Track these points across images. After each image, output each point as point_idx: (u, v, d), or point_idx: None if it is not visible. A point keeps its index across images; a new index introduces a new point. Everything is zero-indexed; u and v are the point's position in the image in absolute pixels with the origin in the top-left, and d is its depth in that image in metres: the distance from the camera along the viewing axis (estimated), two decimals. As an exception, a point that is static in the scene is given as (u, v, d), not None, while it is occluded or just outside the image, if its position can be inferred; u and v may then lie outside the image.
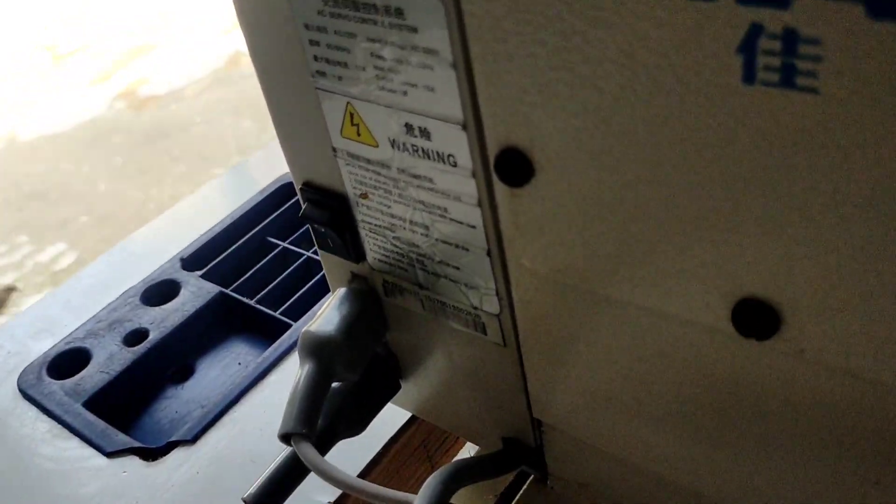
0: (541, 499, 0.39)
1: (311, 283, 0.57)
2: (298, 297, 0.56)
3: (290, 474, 0.36)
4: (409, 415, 0.47)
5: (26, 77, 2.57)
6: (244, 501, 0.36)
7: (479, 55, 0.25)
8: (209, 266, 0.59)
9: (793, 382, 0.25)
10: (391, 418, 0.45)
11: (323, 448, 0.37)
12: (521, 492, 0.39)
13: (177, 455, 0.46)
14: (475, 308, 0.33)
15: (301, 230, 0.62)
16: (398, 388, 0.41)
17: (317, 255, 0.60)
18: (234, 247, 0.60)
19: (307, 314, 0.54)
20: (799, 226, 0.21)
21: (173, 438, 0.47)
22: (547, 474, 0.39)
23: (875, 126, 0.18)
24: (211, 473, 0.45)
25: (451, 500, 0.33)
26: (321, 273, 0.58)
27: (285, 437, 0.34)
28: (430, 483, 0.31)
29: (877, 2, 0.17)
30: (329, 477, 0.32)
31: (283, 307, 0.55)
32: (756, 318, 0.23)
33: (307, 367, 0.35)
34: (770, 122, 0.20)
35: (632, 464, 0.34)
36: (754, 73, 0.19)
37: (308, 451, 0.33)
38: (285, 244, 0.61)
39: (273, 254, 0.60)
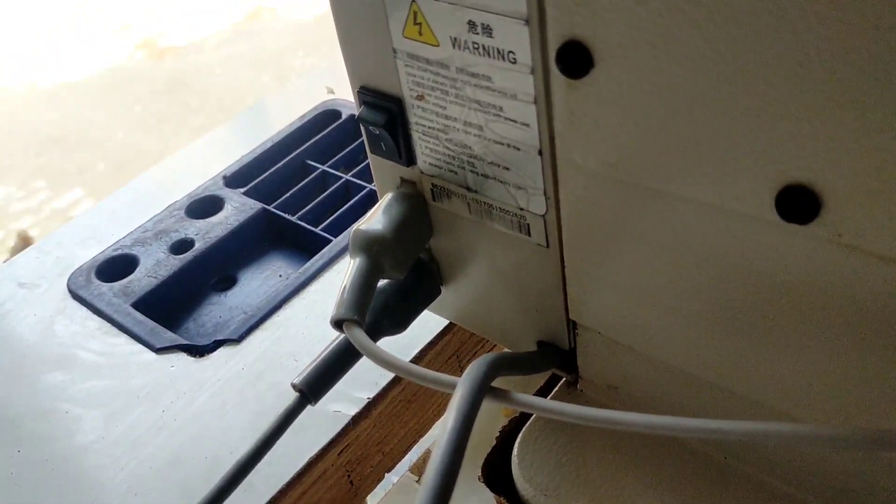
0: (571, 400, 0.40)
1: (349, 203, 0.59)
2: (337, 215, 0.58)
3: (339, 360, 0.38)
4: (442, 325, 0.49)
5: (48, 25, 2.59)
6: (293, 386, 0.38)
7: (548, -53, 0.26)
8: (251, 184, 0.61)
9: (830, 268, 0.26)
10: (426, 326, 0.48)
11: (372, 339, 0.39)
12: (553, 394, 0.41)
13: (223, 352, 0.48)
14: (521, 209, 0.35)
15: (340, 154, 0.64)
16: (439, 292, 0.42)
17: (355, 178, 0.62)
18: (275, 167, 0.62)
19: (346, 231, 0.56)
20: (837, 113, 0.23)
21: (219, 338, 0.49)
22: (578, 377, 0.41)
23: (928, 6, 0.20)
24: (256, 369, 0.47)
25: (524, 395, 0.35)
26: (359, 195, 0.60)
27: (337, 324, 0.36)
28: (475, 366, 0.33)
29: None
30: (381, 360, 0.34)
31: (323, 224, 0.57)
32: (798, 203, 0.25)
33: (357, 260, 0.37)
34: (823, 3, 0.21)
35: (664, 364, 0.36)
36: (817, -44, 0.21)
37: (360, 336, 0.35)
38: (325, 167, 0.63)
39: (312, 175, 0.62)
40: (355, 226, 0.38)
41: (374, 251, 0.37)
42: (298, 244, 0.57)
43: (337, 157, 0.63)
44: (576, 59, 0.27)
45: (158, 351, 0.49)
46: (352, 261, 0.38)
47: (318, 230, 0.56)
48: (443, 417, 0.31)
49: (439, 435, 0.29)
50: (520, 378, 0.43)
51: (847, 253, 0.25)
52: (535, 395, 0.43)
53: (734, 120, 0.25)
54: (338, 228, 0.57)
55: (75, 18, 2.58)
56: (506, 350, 0.42)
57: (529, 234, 0.36)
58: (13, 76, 2.36)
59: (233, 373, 0.47)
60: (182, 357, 0.49)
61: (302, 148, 0.64)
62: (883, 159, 0.23)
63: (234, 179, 0.62)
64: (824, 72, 0.22)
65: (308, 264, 0.53)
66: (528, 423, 0.40)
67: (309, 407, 0.39)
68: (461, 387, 0.31)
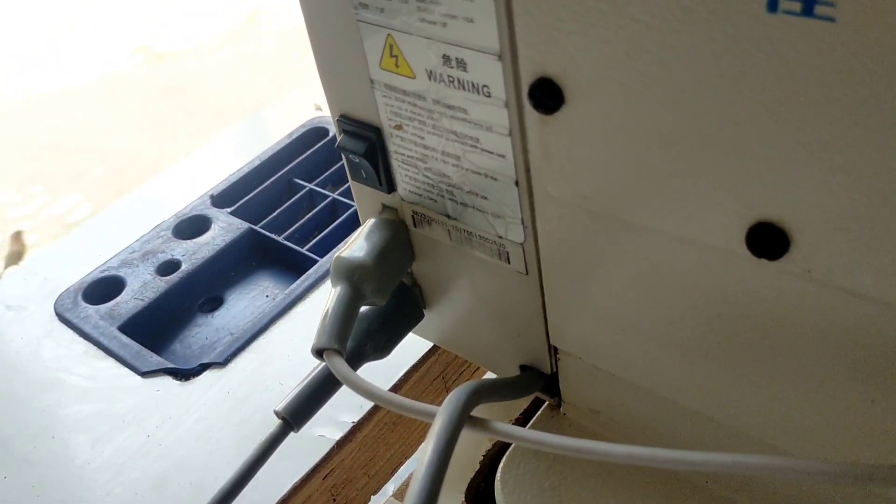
0: (554, 424, 0.41)
1: (336, 222, 0.59)
2: (324, 235, 0.58)
3: (321, 388, 0.38)
4: (428, 347, 0.49)
5: (44, 30, 2.58)
6: (276, 413, 0.38)
7: (518, -14, 0.26)
8: (238, 203, 0.61)
9: (801, 302, 0.26)
10: (412, 348, 0.48)
11: (353, 366, 0.39)
12: (536, 417, 0.41)
13: (208, 376, 0.49)
14: (500, 237, 0.35)
15: (327, 172, 0.64)
16: (422, 316, 0.43)
17: (342, 196, 0.62)
18: (262, 186, 0.62)
19: (333, 251, 0.56)
20: (806, 152, 0.23)
21: (205, 361, 0.49)
22: (561, 401, 0.41)
23: (890, 55, 0.20)
24: (241, 393, 0.47)
25: (502, 423, 0.36)
26: (346, 213, 0.60)
27: (318, 352, 0.36)
28: (454, 395, 0.33)
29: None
30: (360, 389, 0.34)
31: (310, 244, 0.57)
32: (767, 240, 0.25)
33: (339, 288, 0.37)
34: (791, 49, 0.21)
35: (645, 390, 0.36)
36: (777, 1, 0.21)
37: (340, 365, 0.35)
38: (311, 185, 0.63)
39: (300, 194, 0.62)
40: (336, 252, 0.39)
41: (356, 279, 0.38)
42: (285, 264, 0.57)
43: (324, 176, 0.64)
44: (547, 96, 0.28)
45: (144, 374, 0.49)
46: (333, 288, 0.38)
47: (304, 250, 0.56)
48: (423, 444, 0.31)
49: (418, 465, 0.29)
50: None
51: (818, 288, 0.26)
52: (518, 417, 0.43)
53: (704, 157, 0.25)
54: (324, 248, 0.57)
55: (72, 24, 2.58)
56: (487, 376, 0.42)
57: (509, 262, 0.36)
58: (10, 82, 2.36)
59: (218, 396, 0.47)
60: (167, 381, 0.49)
61: (289, 166, 0.64)
62: (850, 198, 0.23)
63: (222, 199, 0.62)
64: (792, 113, 0.22)
65: (294, 285, 0.53)
66: (511, 447, 0.40)
67: (292, 433, 0.40)
68: (439, 417, 0.31)
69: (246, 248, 0.58)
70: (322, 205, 0.61)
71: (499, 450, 0.41)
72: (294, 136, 0.67)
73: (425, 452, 0.30)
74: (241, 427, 0.45)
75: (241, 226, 0.59)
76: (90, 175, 1.94)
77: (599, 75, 0.26)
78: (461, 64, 0.30)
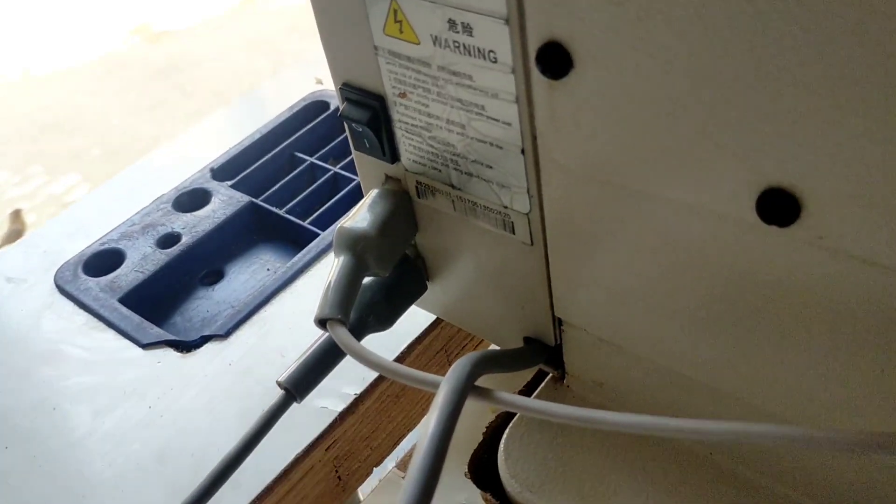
0: (558, 396, 0.41)
1: (337, 196, 0.58)
2: (325, 209, 0.57)
3: (324, 358, 0.38)
4: (430, 320, 0.49)
5: (42, 11, 2.56)
6: (278, 384, 0.38)
7: (527, -53, 0.26)
8: (239, 177, 0.61)
9: (812, 270, 0.26)
10: (414, 321, 0.47)
11: (357, 338, 0.39)
12: (539, 389, 0.41)
13: (210, 348, 0.48)
14: (505, 207, 0.35)
15: (328, 146, 0.64)
16: (425, 288, 0.42)
17: (343, 170, 0.62)
18: (262, 160, 0.62)
19: (334, 224, 0.55)
20: (818, 117, 0.22)
21: (206, 333, 0.49)
22: (564, 373, 0.41)
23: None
24: (243, 365, 0.47)
25: (507, 393, 0.35)
26: (347, 187, 0.60)
27: (321, 322, 0.36)
28: (458, 365, 0.32)
29: None
30: (364, 359, 0.34)
31: (311, 218, 0.57)
32: (778, 206, 0.25)
33: (342, 258, 0.37)
34: (803, 10, 0.21)
35: (649, 362, 0.36)
36: (794, -40, 0.20)
37: (343, 335, 0.35)
38: (313, 159, 0.62)
39: (301, 168, 0.62)
40: (339, 223, 0.38)
41: (359, 249, 0.37)
42: (286, 238, 0.57)
43: (325, 150, 0.63)
44: (555, 60, 0.27)
45: (145, 346, 0.49)
46: (336, 259, 0.37)
47: (306, 224, 0.56)
48: (426, 416, 0.31)
49: (421, 435, 0.29)
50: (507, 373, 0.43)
51: (828, 255, 0.25)
52: (522, 390, 0.43)
53: (714, 123, 0.25)
54: (326, 222, 0.56)
55: (70, 3, 2.56)
56: (491, 347, 0.42)
57: (514, 232, 0.36)
58: (7, 62, 2.34)
59: (220, 368, 0.47)
60: (169, 353, 0.49)
61: (290, 140, 0.64)
62: (863, 164, 0.23)
63: (222, 172, 0.62)
64: (804, 77, 0.22)
65: (296, 258, 0.53)
66: (515, 419, 0.40)
67: (295, 404, 0.39)
68: (444, 386, 0.31)
69: (247, 222, 0.58)
70: (323, 178, 0.61)
71: (502, 422, 0.41)
72: (295, 110, 0.67)
73: (429, 422, 0.30)
74: (243, 399, 0.45)
75: (241, 199, 0.58)
76: (88, 155, 1.93)
77: (608, 39, 0.26)
78: (467, 28, 0.30)
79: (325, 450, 0.42)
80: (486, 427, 0.41)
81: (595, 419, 0.30)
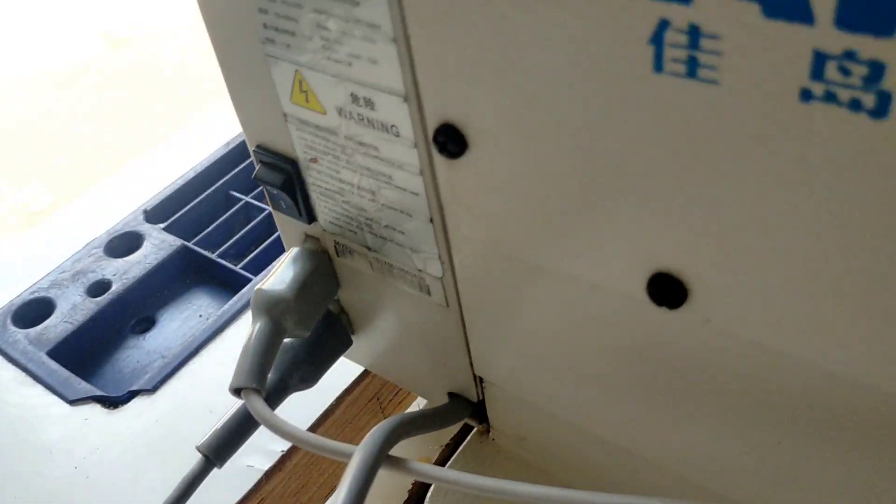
0: (483, 450, 0.41)
1: (273, 236, 0.58)
2: (260, 251, 0.57)
3: (241, 425, 0.37)
4: (361, 369, 0.49)
5: (2, 17, 2.51)
6: (198, 449, 0.37)
7: (416, 33, 0.26)
8: (172, 219, 0.60)
9: (702, 348, 0.26)
10: (347, 371, 0.47)
11: (276, 400, 0.39)
12: (465, 443, 0.41)
13: (137, 403, 0.48)
14: (420, 270, 0.35)
15: (264, 185, 0.63)
16: (350, 343, 0.42)
17: (279, 210, 0.61)
18: (196, 200, 0.61)
19: (268, 268, 0.55)
20: (701, 208, 0.23)
21: (134, 388, 0.49)
22: (489, 427, 0.41)
23: (768, 118, 0.20)
24: (170, 422, 0.46)
25: (398, 451, 0.35)
26: (283, 228, 0.59)
27: (237, 391, 0.35)
28: (373, 434, 0.32)
29: (771, 1, 0.18)
30: (276, 428, 0.34)
31: (245, 261, 0.56)
32: (667, 290, 0.25)
33: (259, 323, 0.37)
34: (677, 109, 0.21)
35: (566, 420, 0.36)
36: (663, 63, 0.21)
37: (257, 404, 0.35)
38: (248, 198, 0.62)
39: (236, 208, 0.61)
40: (258, 285, 0.38)
41: (277, 313, 0.37)
42: (220, 282, 0.57)
43: (261, 188, 0.63)
44: (451, 141, 0.27)
45: (72, 402, 0.48)
46: (253, 324, 0.37)
47: (238, 268, 0.55)
48: (338, 488, 0.30)
49: (330, 514, 0.29)
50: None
51: (717, 337, 0.26)
52: (449, 442, 0.43)
53: (603, 208, 0.25)
54: (260, 265, 0.56)
55: (32, 9, 2.51)
56: (411, 409, 0.42)
57: (430, 294, 0.36)
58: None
59: (146, 425, 0.46)
60: (96, 409, 0.48)
61: (225, 178, 0.63)
62: (743, 254, 0.23)
63: (155, 213, 0.61)
64: (682, 170, 0.22)
65: (227, 306, 0.52)
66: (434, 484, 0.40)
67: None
68: (356, 457, 0.31)
69: (179, 266, 0.57)
70: (259, 218, 0.60)
71: (423, 485, 0.41)
72: (231, 147, 0.66)
73: (339, 495, 0.30)
74: (168, 457, 0.44)
75: (174, 242, 0.58)
76: (53, 164, 1.90)
77: (500, 124, 0.26)
78: (369, 103, 0.30)
79: (253, 509, 0.42)
80: (412, 484, 0.41)
81: (500, 489, 0.30)
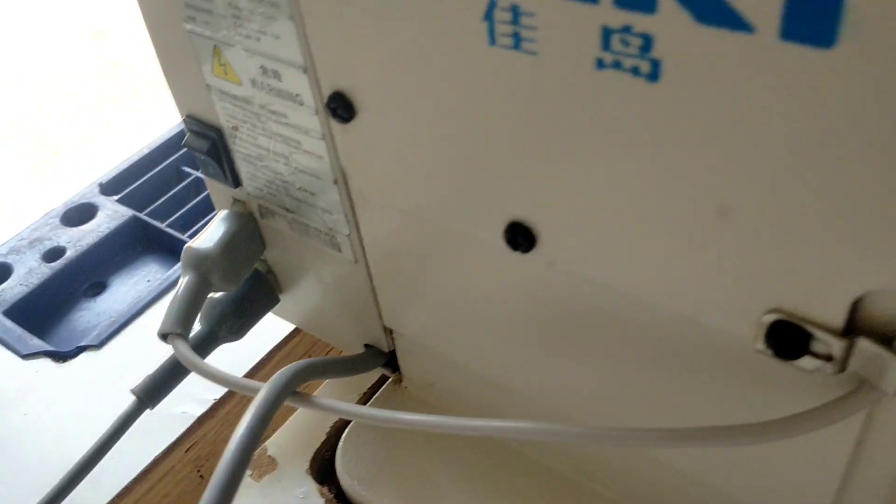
0: (395, 396, 0.45)
1: (220, 210, 0.62)
2: (206, 221, 0.61)
3: (172, 371, 0.41)
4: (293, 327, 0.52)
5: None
6: (132, 392, 0.41)
7: (307, 10, 0.29)
8: (126, 191, 0.63)
9: (555, 288, 0.31)
10: (280, 327, 0.51)
11: (206, 348, 0.43)
12: (381, 390, 0.45)
13: (84, 358, 0.51)
14: (330, 229, 0.39)
15: (216, 161, 0.67)
16: (277, 300, 0.46)
17: (228, 184, 0.65)
18: (150, 174, 0.65)
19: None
20: (539, 164, 0.27)
21: (82, 343, 0.52)
22: (402, 376, 0.45)
23: (577, 83, 0.24)
24: (114, 374, 0.50)
25: (323, 398, 0.39)
26: (231, 201, 0.63)
27: (164, 336, 0.39)
28: (280, 373, 0.36)
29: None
30: (196, 368, 0.37)
31: (192, 231, 0.60)
32: (519, 236, 0.29)
33: (187, 277, 0.41)
34: (509, 77, 0.25)
35: (461, 364, 0.40)
36: (495, 37, 0.25)
37: (181, 347, 0.38)
38: (198, 174, 0.65)
39: (186, 182, 0.65)
40: (188, 243, 0.42)
41: (203, 268, 0.41)
42: (168, 250, 0.60)
43: (210, 163, 0.66)
44: (341, 107, 0.31)
45: (24, 357, 0.52)
46: (182, 278, 0.41)
47: (185, 237, 0.59)
48: (242, 417, 0.34)
49: (233, 435, 0.33)
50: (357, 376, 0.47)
51: (564, 277, 0.30)
52: (366, 391, 0.47)
53: (466, 166, 0.29)
54: (206, 234, 0.60)
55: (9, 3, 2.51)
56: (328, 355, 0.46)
57: (340, 251, 0.39)
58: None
59: (92, 378, 0.50)
60: (47, 363, 0.51)
61: (177, 155, 0.66)
62: (573, 203, 0.27)
63: (110, 186, 0.64)
64: (523, 130, 0.26)
65: (171, 271, 0.56)
66: (353, 421, 0.44)
67: (161, 409, 0.43)
68: (262, 391, 0.35)
69: (130, 235, 0.61)
70: (207, 192, 0.64)
71: (345, 423, 0.45)
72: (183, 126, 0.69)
73: (242, 423, 0.33)
74: (111, 405, 0.48)
75: (126, 213, 0.61)
76: (34, 156, 1.92)
77: (379, 92, 0.29)
78: (276, 74, 0.34)
79: (185, 451, 0.46)
80: (331, 427, 0.45)
81: (391, 419, 0.34)
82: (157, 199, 0.63)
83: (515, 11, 0.24)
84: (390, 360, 0.44)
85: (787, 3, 0.19)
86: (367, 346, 0.44)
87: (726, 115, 0.22)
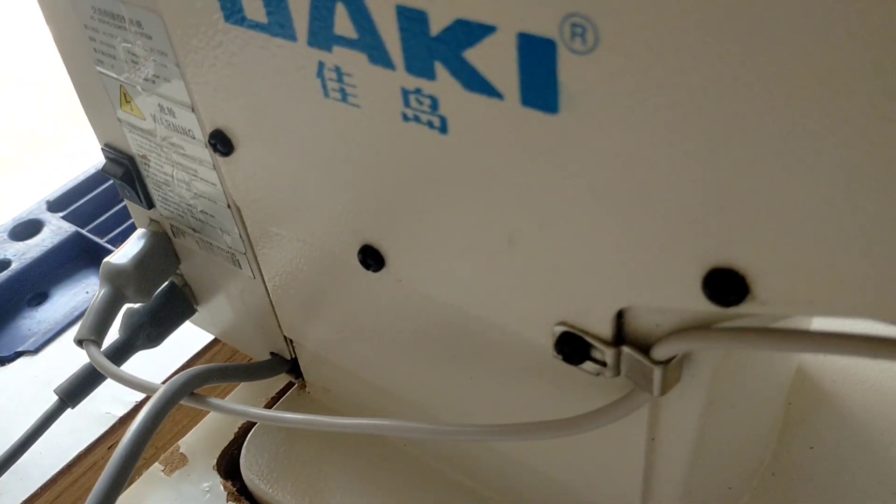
0: (298, 400, 0.49)
1: (159, 226, 0.66)
2: (146, 237, 0.65)
3: (91, 373, 0.45)
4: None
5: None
6: (55, 392, 0.45)
7: (184, 61, 0.34)
8: (70, 208, 0.68)
9: (406, 303, 0.35)
10: (205, 335, 0.55)
11: (124, 354, 0.47)
12: (285, 396, 0.49)
13: (21, 362, 0.56)
14: (230, 248, 0.43)
15: (159, 180, 0.71)
16: (192, 311, 0.50)
17: (169, 202, 0.69)
18: (94, 193, 0.69)
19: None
20: (381, 195, 0.31)
21: (20, 349, 0.56)
22: (305, 382, 0.49)
23: (389, 131, 0.28)
24: (48, 378, 0.54)
25: (234, 403, 0.43)
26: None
27: (79, 342, 0.43)
28: (178, 377, 0.41)
29: (374, 54, 0.26)
30: (105, 370, 0.42)
31: (131, 246, 0.64)
32: (369, 258, 0.34)
33: (103, 289, 0.45)
34: (341, 123, 0.30)
35: (349, 370, 0.44)
36: (328, 91, 0.29)
37: (94, 352, 0.43)
38: (142, 191, 0.70)
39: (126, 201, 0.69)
40: (106, 258, 0.46)
41: (118, 282, 0.45)
42: (108, 263, 0.64)
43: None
44: (220, 143, 0.35)
45: (-35, 362, 0.56)
46: (100, 289, 0.45)
47: (123, 251, 0.63)
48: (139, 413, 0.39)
49: (129, 428, 0.37)
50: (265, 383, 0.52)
51: (410, 293, 0.34)
52: (274, 395, 0.51)
53: (323, 197, 0.34)
54: (144, 249, 0.64)
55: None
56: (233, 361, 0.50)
57: (241, 268, 0.44)
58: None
59: (28, 380, 0.54)
60: (-15, 367, 0.56)
61: (122, 174, 0.71)
62: (410, 229, 0.31)
63: (56, 204, 0.69)
64: (363, 164, 0.31)
65: (107, 283, 0.60)
66: (258, 423, 0.48)
67: (88, 409, 0.47)
68: (159, 391, 0.39)
69: (72, 249, 0.65)
70: (150, 209, 0.68)
71: (252, 424, 0.49)
72: (133, 145, 0.74)
73: (138, 418, 0.38)
74: (43, 405, 0.52)
75: (69, 229, 0.66)
76: (17, 161, 1.95)
77: (251, 131, 0.34)
78: (171, 112, 0.38)
79: (108, 448, 0.50)
80: (238, 428, 0.49)
81: (273, 418, 0.38)
82: (99, 217, 0.67)
83: (339, 72, 0.28)
84: (295, 367, 0.49)
85: (521, 78, 0.23)
86: (272, 353, 0.49)
87: (499, 163, 0.26)
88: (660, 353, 0.27)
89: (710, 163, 0.22)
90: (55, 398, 0.50)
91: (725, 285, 0.23)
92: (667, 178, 0.23)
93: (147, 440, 0.37)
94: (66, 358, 0.56)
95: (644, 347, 0.28)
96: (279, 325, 0.46)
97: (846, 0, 0.17)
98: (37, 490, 0.47)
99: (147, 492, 0.47)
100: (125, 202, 0.69)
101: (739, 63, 0.19)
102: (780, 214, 0.21)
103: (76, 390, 0.46)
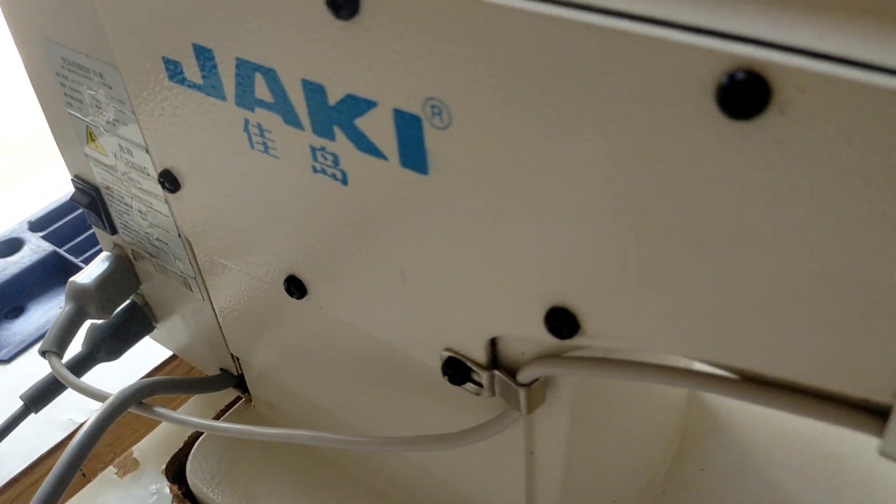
0: (244, 414, 0.53)
1: (132, 247, 0.71)
2: (119, 258, 0.70)
3: (54, 382, 0.50)
4: (179, 353, 0.61)
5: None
6: (20, 398, 0.50)
7: (137, 109, 0.39)
8: (50, 229, 0.73)
9: (328, 328, 0.40)
10: (163, 350, 0.60)
11: (85, 365, 0.51)
12: (232, 409, 0.54)
13: (-7, 372, 0.60)
14: (182, 272, 0.48)
15: (135, 204, 0.76)
16: (151, 328, 0.55)
17: (143, 225, 0.74)
18: (72, 215, 0.74)
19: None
20: (297, 233, 0.36)
21: (-7, 359, 0.61)
22: (251, 396, 0.54)
23: (307, 181, 0.33)
24: (18, 386, 0.58)
25: (186, 414, 0.48)
26: (143, 240, 0.72)
27: (43, 353, 0.48)
28: (129, 386, 0.45)
29: (286, 115, 0.31)
30: (64, 378, 0.46)
31: (104, 265, 0.69)
32: (293, 286, 0.38)
33: (67, 306, 0.50)
34: (264, 172, 0.34)
35: (288, 388, 0.49)
36: (252, 143, 0.34)
37: (55, 363, 0.47)
38: (118, 214, 0.75)
39: (106, 222, 0.74)
40: (72, 278, 0.51)
41: (81, 300, 0.50)
42: (82, 281, 0.69)
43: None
44: (168, 181, 0.40)
45: (-59, 370, 0.60)
46: (64, 306, 0.50)
47: (96, 270, 0.68)
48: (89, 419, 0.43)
49: (78, 433, 0.42)
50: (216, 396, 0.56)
51: (330, 320, 0.39)
52: (222, 408, 0.56)
53: (253, 232, 0.38)
54: (116, 269, 0.69)
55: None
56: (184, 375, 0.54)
57: (192, 290, 0.49)
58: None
59: (-1, 388, 0.59)
60: (-40, 375, 0.60)
61: (101, 197, 0.76)
62: (322, 261, 0.36)
63: (37, 224, 0.73)
64: (283, 207, 0.36)
65: (78, 300, 0.65)
66: (205, 433, 0.52)
67: (51, 416, 0.52)
68: (109, 399, 0.44)
69: (49, 267, 0.70)
70: (125, 231, 0.73)
71: (200, 433, 0.54)
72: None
73: (87, 424, 0.42)
74: (11, 412, 0.57)
75: (47, 248, 0.70)
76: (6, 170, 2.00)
77: (194, 173, 0.39)
78: (129, 151, 0.43)
79: (69, 453, 0.54)
80: (188, 437, 0.54)
81: (213, 427, 0.43)
82: (76, 238, 0.72)
83: (261, 128, 0.33)
84: (242, 383, 0.53)
85: (399, 144, 0.28)
86: (221, 369, 0.53)
87: (387, 212, 0.31)
88: (523, 376, 0.32)
89: (546, 221, 0.26)
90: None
91: (561, 321, 0.28)
92: (514, 233, 0.28)
93: (93, 444, 0.42)
94: (37, 368, 0.60)
95: (513, 372, 0.33)
96: (226, 344, 0.50)
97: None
98: (1, 487, 0.52)
99: (100, 492, 0.51)
100: (100, 225, 0.75)
101: (555, 150, 0.24)
102: (602, 266, 0.26)
103: (39, 397, 0.50)
